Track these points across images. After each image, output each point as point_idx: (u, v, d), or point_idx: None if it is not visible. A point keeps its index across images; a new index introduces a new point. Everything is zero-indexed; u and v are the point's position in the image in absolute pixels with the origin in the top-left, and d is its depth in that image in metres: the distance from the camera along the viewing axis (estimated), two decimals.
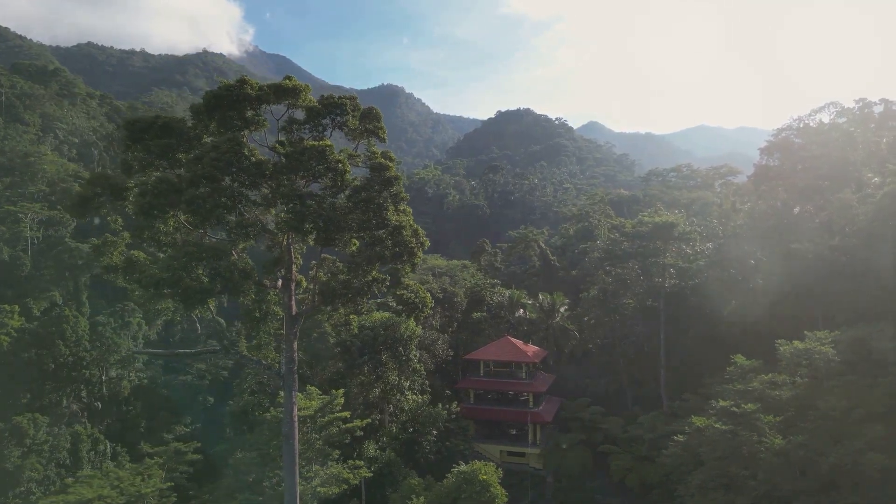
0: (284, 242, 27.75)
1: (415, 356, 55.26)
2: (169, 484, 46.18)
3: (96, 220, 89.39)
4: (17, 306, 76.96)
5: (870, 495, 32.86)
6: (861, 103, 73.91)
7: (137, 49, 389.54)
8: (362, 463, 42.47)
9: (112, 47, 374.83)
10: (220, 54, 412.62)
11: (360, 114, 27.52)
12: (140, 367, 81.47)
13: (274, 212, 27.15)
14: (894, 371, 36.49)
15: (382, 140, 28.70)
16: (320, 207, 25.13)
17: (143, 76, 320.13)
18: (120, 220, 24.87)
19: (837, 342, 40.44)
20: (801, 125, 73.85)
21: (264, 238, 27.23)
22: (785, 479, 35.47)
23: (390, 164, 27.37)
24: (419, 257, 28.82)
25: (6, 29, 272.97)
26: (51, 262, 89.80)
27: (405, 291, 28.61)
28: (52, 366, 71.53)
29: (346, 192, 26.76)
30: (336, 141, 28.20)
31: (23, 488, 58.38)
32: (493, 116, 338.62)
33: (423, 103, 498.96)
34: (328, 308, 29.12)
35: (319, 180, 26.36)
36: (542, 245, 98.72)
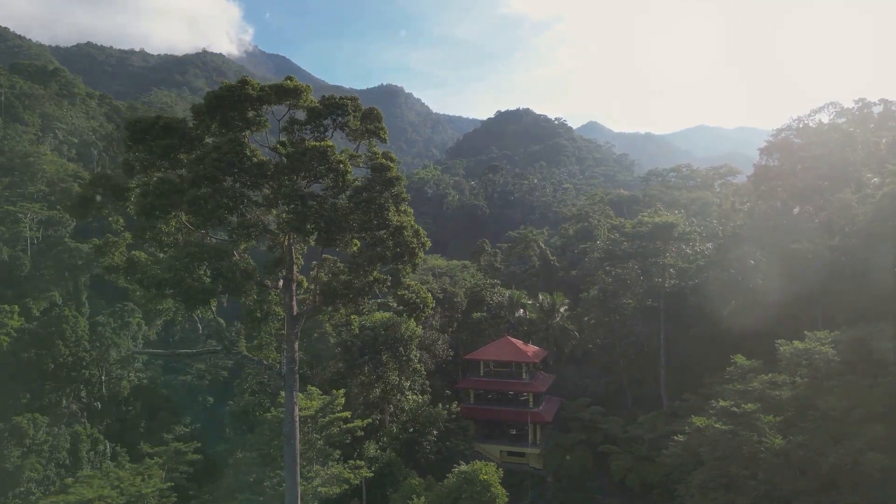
0: (286, 243, 27.77)
1: (415, 356, 55.29)
2: (169, 484, 46.22)
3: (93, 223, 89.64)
4: (16, 306, 76.91)
5: (870, 495, 32.91)
6: (860, 104, 74.07)
7: (137, 49, 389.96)
8: (363, 463, 42.51)
9: (111, 47, 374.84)
10: (220, 54, 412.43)
11: (362, 114, 27.54)
12: (140, 367, 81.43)
13: (275, 212, 27.18)
14: (894, 371, 36.56)
15: (383, 140, 28.72)
16: (322, 208, 25.16)
17: (143, 76, 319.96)
18: (121, 220, 24.78)
19: (837, 342, 40.51)
20: (801, 125, 73.96)
21: (265, 238, 27.25)
22: (785, 479, 35.52)
23: (392, 165, 27.41)
24: (420, 258, 28.85)
25: (6, 29, 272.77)
26: (50, 262, 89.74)
27: (406, 292, 28.64)
28: (52, 366, 71.51)
29: (348, 193, 26.78)
30: (336, 141, 28.23)
31: (22, 488, 58.38)
32: (492, 116, 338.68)
33: (423, 103, 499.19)
34: (329, 308, 29.14)
35: (321, 181, 26.38)
36: (542, 245, 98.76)
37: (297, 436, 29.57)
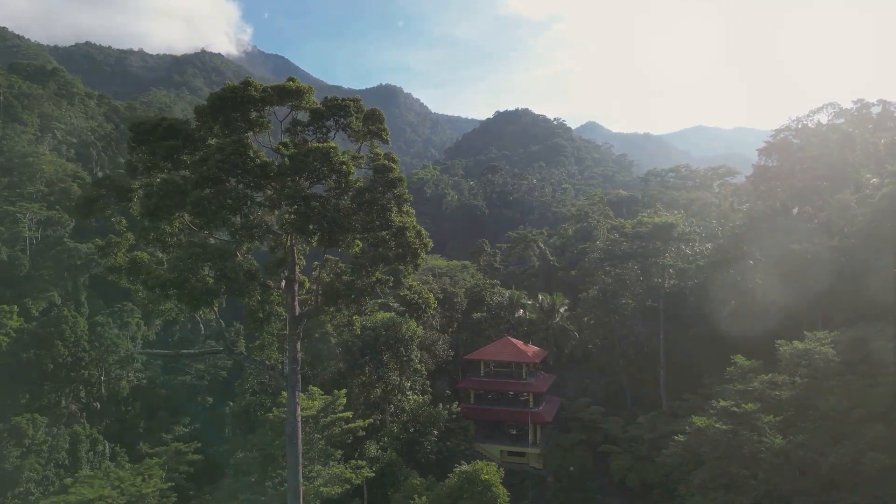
0: (288, 243, 27.80)
1: (416, 356, 55.37)
2: (170, 484, 46.24)
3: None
4: (15, 306, 76.82)
5: (870, 495, 33.03)
6: (859, 104, 74.24)
7: (135, 49, 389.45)
8: (364, 463, 42.56)
9: (110, 47, 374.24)
10: (219, 54, 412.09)
11: (364, 115, 27.58)
12: (139, 367, 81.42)
13: (277, 213, 27.22)
14: (894, 371, 36.69)
15: (385, 142, 28.77)
16: (325, 209, 25.20)
17: (142, 76, 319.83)
18: (124, 221, 24.63)
19: (837, 342, 40.65)
20: (800, 126, 74.15)
21: (267, 239, 27.28)
22: (785, 479, 35.63)
23: (394, 166, 27.47)
24: (422, 258, 28.90)
25: (4, 29, 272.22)
26: (49, 262, 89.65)
27: (409, 292, 28.74)
28: (51, 366, 71.50)
29: (350, 194, 26.83)
30: (337, 142, 28.27)
31: (22, 488, 58.38)
32: (491, 117, 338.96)
33: (422, 103, 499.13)
34: (331, 309, 29.19)
35: (323, 182, 26.43)
36: (542, 245, 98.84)
37: (300, 436, 29.61)
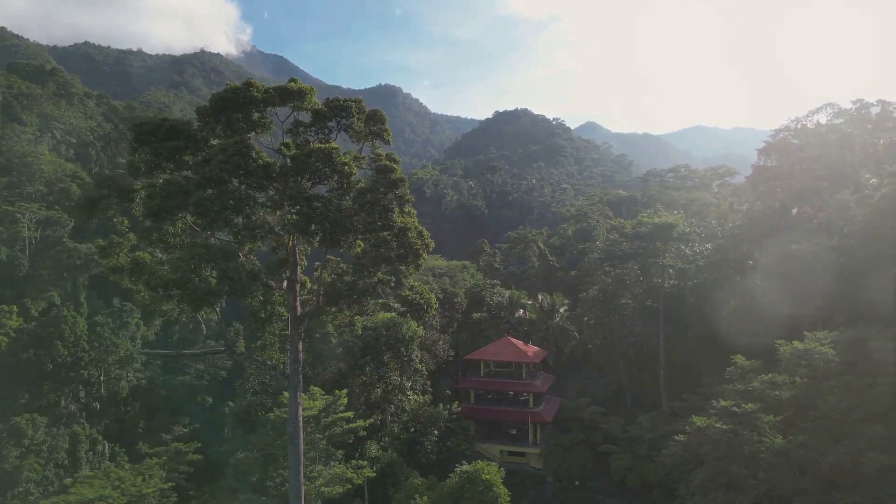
0: (290, 244, 27.85)
1: (416, 356, 55.43)
2: (170, 484, 46.20)
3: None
4: (15, 306, 76.70)
5: (869, 495, 33.13)
6: (858, 104, 74.34)
7: (135, 49, 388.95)
8: (365, 463, 42.58)
9: (109, 47, 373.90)
10: (218, 54, 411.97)
11: (365, 116, 27.64)
12: (138, 367, 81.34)
13: (279, 213, 27.25)
14: (894, 371, 36.78)
15: (387, 142, 28.83)
16: (327, 209, 25.25)
17: (141, 76, 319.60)
18: (126, 221, 24.63)
19: (837, 342, 40.72)
20: (799, 126, 74.26)
21: (269, 239, 27.32)
22: (785, 479, 35.71)
23: (396, 167, 27.54)
24: (424, 259, 28.96)
25: (3, 28, 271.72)
26: (49, 262, 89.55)
27: (411, 293, 28.77)
28: (51, 366, 71.43)
29: (352, 194, 26.87)
30: (338, 142, 28.30)
31: (21, 489, 58.30)
32: (490, 117, 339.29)
33: (421, 103, 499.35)
34: (333, 309, 29.23)
35: (325, 182, 26.48)
36: (541, 245, 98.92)
37: (301, 436, 29.65)
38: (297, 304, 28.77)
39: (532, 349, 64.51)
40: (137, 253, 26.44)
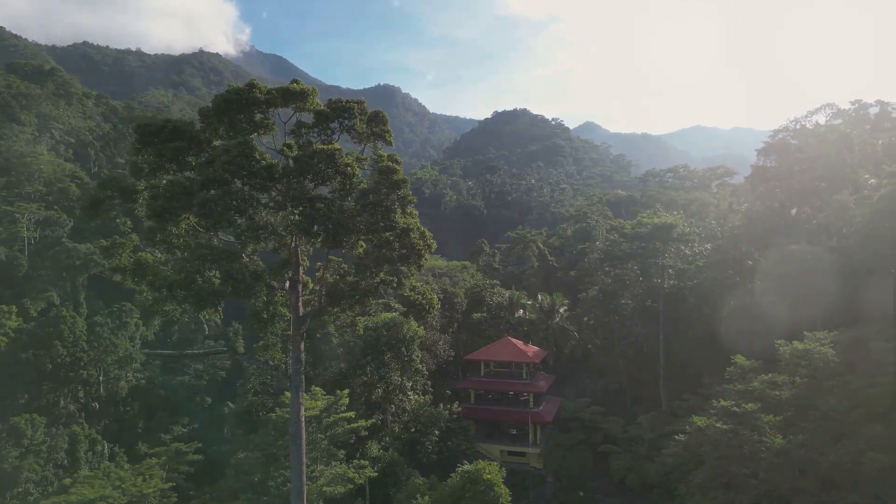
0: (292, 245, 27.89)
1: (417, 357, 55.49)
2: (170, 484, 46.20)
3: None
4: (14, 307, 76.64)
5: (869, 494, 33.25)
6: (857, 105, 74.46)
7: (133, 49, 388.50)
8: (367, 463, 42.63)
9: (108, 47, 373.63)
10: (217, 54, 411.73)
11: (367, 117, 27.70)
12: (137, 367, 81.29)
13: (281, 214, 27.28)
14: (893, 371, 36.90)
15: (389, 143, 28.89)
16: (329, 210, 25.30)
17: (140, 76, 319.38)
18: (129, 221, 24.69)
19: (836, 343, 40.84)
20: (798, 127, 74.41)
21: (272, 240, 27.36)
22: (785, 479, 35.81)
23: (398, 168, 27.59)
24: (426, 259, 29.03)
25: (2, 28, 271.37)
26: (48, 262, 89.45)
27: (413, 293, 28.83)
28: (50, 366, 71.38)
29: (354, 195, 26.93)
30: (340, 143, 28.34)
31: (20, 489, 58.26)
32: (489, 117, 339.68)
33: (420, 103, 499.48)
34: (335, 309, 29.28)
35: (328, 183, 26.53)
36: (541, 245, 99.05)
37: (304, 435, 29.69)
38: (300, 304, 28.82)
39: (532, 349, 64.60)
40: (140, 253, 26.46)
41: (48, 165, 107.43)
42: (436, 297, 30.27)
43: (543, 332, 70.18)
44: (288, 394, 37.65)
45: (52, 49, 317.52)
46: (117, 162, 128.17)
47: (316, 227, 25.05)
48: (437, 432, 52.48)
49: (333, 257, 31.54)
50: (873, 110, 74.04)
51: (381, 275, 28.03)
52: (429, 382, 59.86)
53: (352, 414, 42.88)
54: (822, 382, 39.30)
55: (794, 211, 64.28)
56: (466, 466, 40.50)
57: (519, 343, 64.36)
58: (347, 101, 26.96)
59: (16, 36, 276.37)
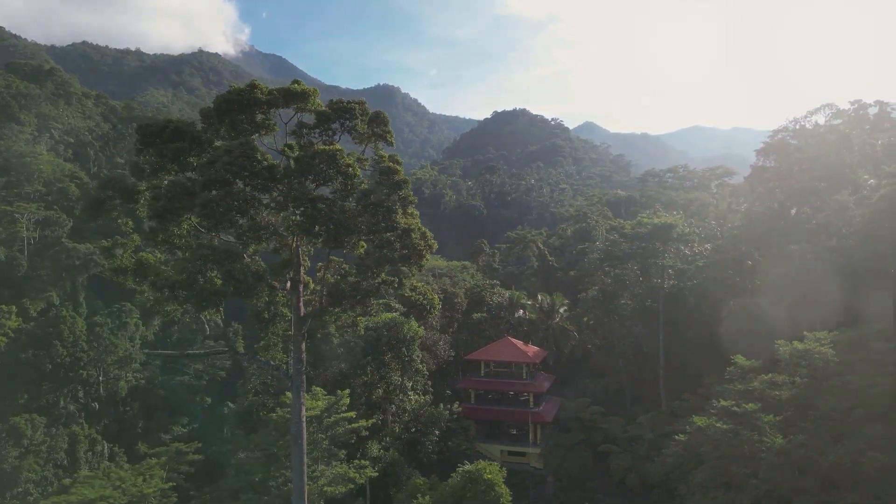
0: (293, 245, 27.92)
1: (417, 357, 55.55)
2: (171, 484, 46.23)
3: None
4: (14, 307, 76.67)
5: (869, 494, 33.31)
6: (856, 105, 74.53)
7: (132, 48, 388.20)
8: (368, 463, 42.67)
9: (107, 46, 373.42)
10: (216, 54, 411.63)
11: (369, 118, 27.74)
12: (137, 367, 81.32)
13: (282, 215, 27.31)
14: (893, 371, 36.97)
15: (390, 144, 28.94)
16: (331, 211, 25.34)
17: (139, 76, 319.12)
18: (130, 222, 24.69)
19: (836, 343, 40.88)
20: (797, 127, 74.53)
21: (273, 240, 27.39)
22: (785, 478, 35.86)
23: (399, 168, 27.65)
24: (427, 259, 29.07)
25: (1, 28, 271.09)
26: (48, 262, 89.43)
27: (414, 293, 28.87)
28: (50, 366, 71.43)
29: (356, 196, 26.98)
30: (341, 144, 28.37)
31: (20, 489, 58.31)
32: (489, 117, 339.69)
33: (420, 103, 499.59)
34: (336, 310, 29.32)
35: (329, 184, 26.58)
36: (540, 246, 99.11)
37: (305, 436, 29.72)
38: (301, 304, 28.86)
39: (532, 349, 64.65)
40: (141, 254, 26.49)
41: (47, 165, 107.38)
42: (437, 297, 30.29)
43: (543, 333, 70.23)
44: (289, 394, 37.69)
45: (52, 49, 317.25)
46: (117, 162, 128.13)
47: (317, 228, 25.09)
48: (437, 432, 52.53)
49: (334, 258, 31.59)
50: (872, 110, 74.13)
51: (383, 275, 28.06)
52: (429, 382, 59.90)
53: (352, 414, 42.92)
54: (822, 382, 39.35)
55: (793, 211, 64.34)
56: (467, 466, 40.56)
57: (519, 343, 64.41)
58: (349, 102, 27.01)
59: (15, 36, 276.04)
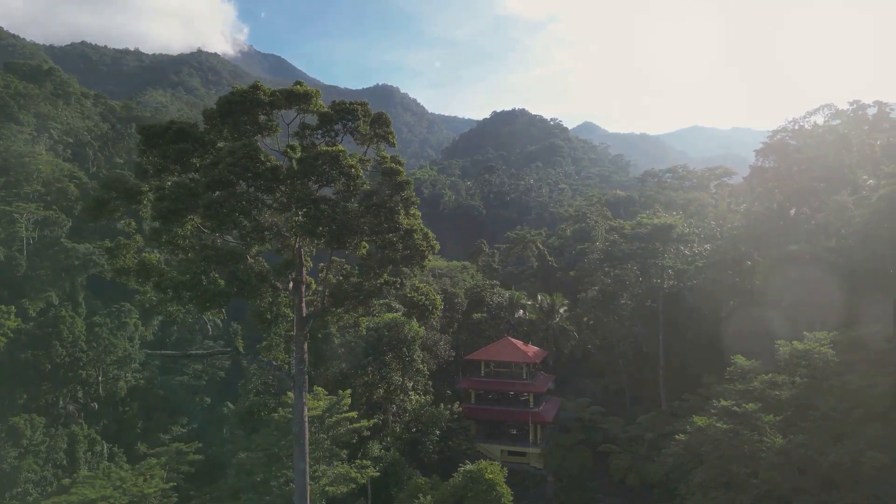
0: (296, 245, 27.97)
1: (418, 357, 55.61)
2: (171, 484, 46.24)
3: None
4: (13, 307, 76.64)
5: (869, 494, 33.42)
6: (855, 105, 74.73)
7: (131, 48, 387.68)
8: (369, 462, 42.73)
9: (106, 46, 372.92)
10: (215, 54, 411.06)
11: (371, 119, 27.81)
12: (136, 367, 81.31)
13: (285, 215, 27.36)
14: (893, 371, 37.09)
15: (392, 145, 29.02)
16: (334, 211, 25.41)
17: (137, 76, 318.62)
18: (133, 223, 24.79)
19: (836, 343, 40.99)
20: (796, 127, 74.65)
21: (275, 241, 27.44)
22: (785, 478, 35.96)
23: (401, 169, 27.72)
24: (429, 260, 29.15)
25: (0, 28, 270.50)
26: (47, 262, 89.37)
27: (416, 294, 28.94)
28: (49, 366, 71.43)
29: (358, 197, 27.04)
30: (344, 144, 28.42)
31: (20, 489, 58.33)
32: (488, 117, 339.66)
33: (419, 103, 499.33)
34: (339, 310, 29.39)
35: (332, 185, 26.65)
36: (540, 246, 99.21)
37: (307, 436, 29.78)
38: (303, 305, 28.92)
39: (532, 349, 64.73)
40: (144, 254, 26.54)
41: (46, 165, 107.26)
42: (439, 297, 30.36)
43: (543, 333, 70.33)
44: (290, 394, 37.76)
45: (50, 49, 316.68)
46: (115, 162, 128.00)
47: (320, 229, 25.15)
48: (437, 432, 52.59)
49: (336, 258, 31.64)
50: (871, 111, 74.34)
51: (385, 276, 28.13)
52: (430, 382, 59.97)
53: (354, 414, 42.98)
54: (822, 382, 39.45)
55: (792, 211, 64.46)
56: (468, 466, 40.64)
57: (519, 343, 64.49)
58: (351, 103, 27.08)
59: (14, 35, 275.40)
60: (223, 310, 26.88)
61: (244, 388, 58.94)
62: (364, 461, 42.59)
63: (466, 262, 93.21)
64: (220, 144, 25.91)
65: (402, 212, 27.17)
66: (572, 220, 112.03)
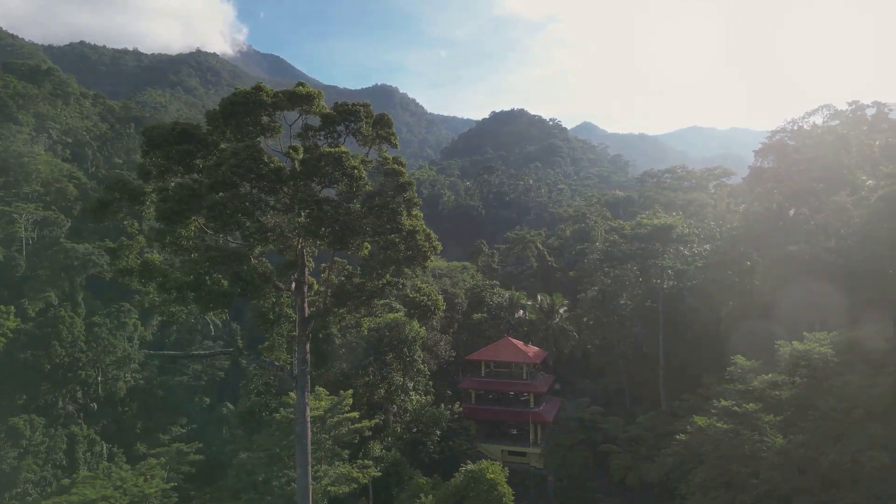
0: (298, 246, 28.04)
1: (419, 357, 55.69)
2: (172, 484, 46.29)
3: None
4: (12, 307, 76.56)
5: (869, 493, 33.55)
6: (854, 106, 75.03)
7: (130, 48, 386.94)
8: (371, 462, 42.81)
9: (105, 46, 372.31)
10: (214, 54, 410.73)
11: (373, 120, 27.89)
12: (136, 367, 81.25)
13: (288, 217, 27.42)
14: (893, 371, 37.24)
15: (394, 146, 29.10)
16: (336, 212, 25.48)
17: (136, 76, 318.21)
18: (136, 224, 24.89)
19: (836, 343, 41.14)
20: (795, 128, 74.92)
21: (278, 242, 27.49)
22: (785, 478, 36.10)
23: (403, 170, 27.80)
24: (431, 260, 29.23)
25: None
26: (46, 262, 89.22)
27: (418, 294, 29.03)
28: (48, 367, 71.37)
29: (361, 198, 27.13)
30: (346, 145, 28.48)
31: (19, 489, 58.31)
32: (487, 117, 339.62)
33: (418, 104, 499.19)
34: (341, 310, 29.45)
35: (334, 186, 26.72)
36: (540, 246, 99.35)
37: (309, 436, 29.84)
38: (305, 305, 28.97)
39: (532, 349, 64.83)
40: (147, 255, 26.59)
41: (45, 165, 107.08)
42: (441, 298, 30.45)
43: (543, 333, 70.44)
44: (292, 394, 37.83)
45: (49, 49, 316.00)
46: (114, 162, 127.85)
47: (323, 230, 25.22)
48: (438, 432, 52.66)
49: (338, 259, 31.71)
50: (870, 111, 74.64)
51: (387, 276, 28.20)
52: (430, 383, 60.05)
53: (355, 414, 43.05)
54: (822, 382, 39.59)
55: (791, 212, 64.61)
56: (470, 466, 40.72)
57: (519, 343, 64.59)
58: (354, 105, 27.15)
59: (12, 35, 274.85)
60: (225, 310, 26.87)
61: (245, 389, 59.00)
62: (365, 461, 42.65)
63: (466, 263, 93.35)
64: (223, 146, 25.97)
65: (405, 213, 27.25)
66: (572, 221, 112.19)
